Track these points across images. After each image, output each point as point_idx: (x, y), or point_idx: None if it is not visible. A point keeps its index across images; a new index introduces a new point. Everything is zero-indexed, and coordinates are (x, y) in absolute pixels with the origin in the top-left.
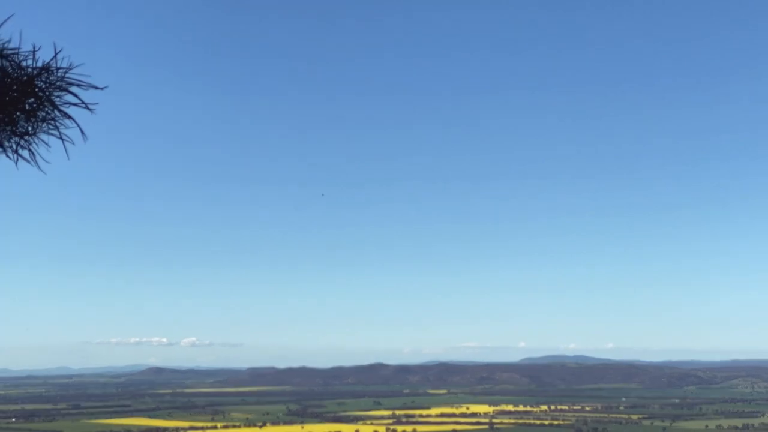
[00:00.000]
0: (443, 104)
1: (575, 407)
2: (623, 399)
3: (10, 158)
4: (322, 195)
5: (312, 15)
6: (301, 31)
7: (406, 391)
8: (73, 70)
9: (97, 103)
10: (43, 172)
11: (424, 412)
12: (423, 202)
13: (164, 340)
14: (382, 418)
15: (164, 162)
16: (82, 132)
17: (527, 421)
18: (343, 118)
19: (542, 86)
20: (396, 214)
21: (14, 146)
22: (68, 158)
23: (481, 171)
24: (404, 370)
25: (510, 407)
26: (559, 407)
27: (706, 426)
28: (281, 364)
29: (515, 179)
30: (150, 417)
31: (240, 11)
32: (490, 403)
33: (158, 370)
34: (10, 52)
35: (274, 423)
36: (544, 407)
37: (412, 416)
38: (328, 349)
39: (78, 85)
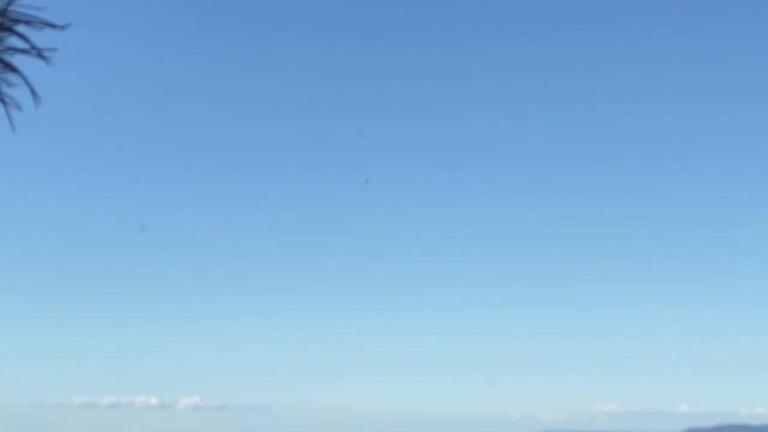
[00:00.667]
0: None
1: None
2: None
3: None
4: (367, 181)
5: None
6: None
7: None
8: (20, 1)
9: (55, 49)
10: None
11: None
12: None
13: (153, 400)
14: None
15: (147, 139)
16: (33, 92)
17: None
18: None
19: None
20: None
21: None
22: (13, 130)
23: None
24: None
25: None
26: None
27: None
28: None
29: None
30: None
31: None
32: None
33: None
34: None
35: None
36: None
37: None
38: (395, 412)
39: (28, 23)
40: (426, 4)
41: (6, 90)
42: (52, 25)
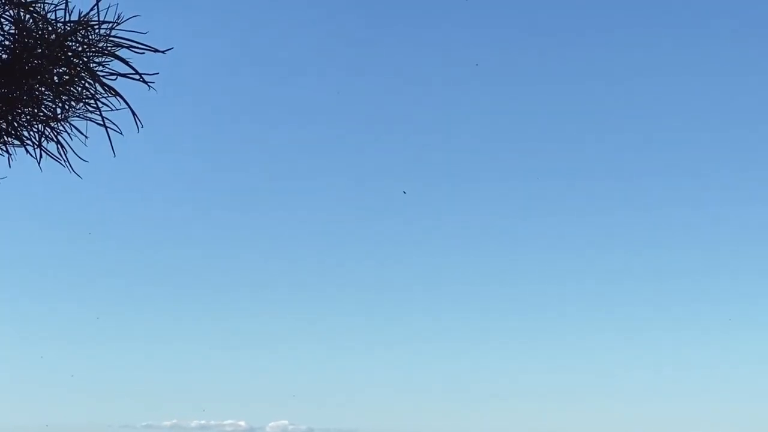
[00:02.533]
0: None
1: None
2: None
3: (30, 154)
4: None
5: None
6: None
7: None
8: (122, 25)
9: (157, 73)
10: (77, 175)
11: None
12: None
13: (242, 423)
14: None
15: (253, 161)
16: (136, 116)
17: None
18: None
19: None
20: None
21: (37, 137)
22: (114, 155)
23: None
24: None
25: None
26: None
27: None
28: None
29: None
30: None
31: None
32: None
33: None
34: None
35: None
36: None
37: None
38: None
39: (130, 48)
40: None
41: (108, 114)
42: (154, 50)
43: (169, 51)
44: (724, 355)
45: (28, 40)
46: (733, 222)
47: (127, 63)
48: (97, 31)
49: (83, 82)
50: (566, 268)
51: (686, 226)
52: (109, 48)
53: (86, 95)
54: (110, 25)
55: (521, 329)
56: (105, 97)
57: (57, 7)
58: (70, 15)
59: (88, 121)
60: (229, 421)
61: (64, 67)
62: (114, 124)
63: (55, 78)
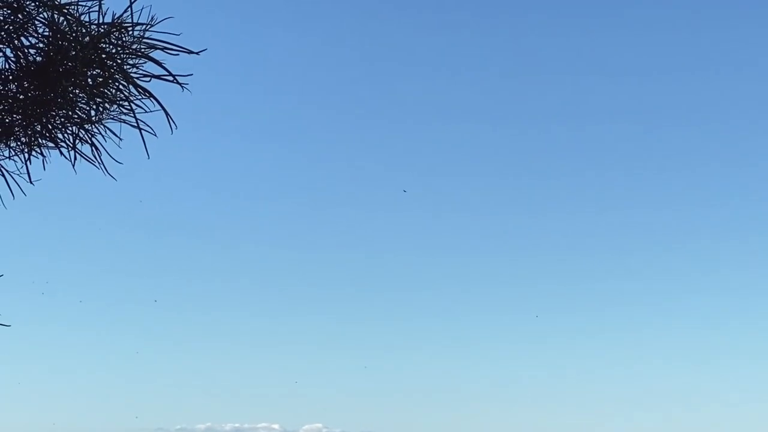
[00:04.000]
0: None
1: None
2: None
3: (65, 156)
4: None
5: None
6: None
7: None
8: (156, 27)
9: (191, 74)
10: (112, 177)
11: None
12: None
13: (276, 426)
14: None
15: (283, 161)
16: (170, 118)
17: None
18: None
19: None
20: None
21: (71, 139)
22: (148, 156)
23: None
24: None
25: None
26: None
27: None
28: None
29: None
30: None
31: None
32: None
33: None
34: (65, 2)
35: None
36: None
37: None
38: None
39: (164, 49)
40: None
41: (142, 116)
42: (188, 51)
43: (203, 52)
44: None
45: (62, 43)
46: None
47: (160, 65)
48: (130, 33)
49: (117, 84)
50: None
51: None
52: (142, 50)
53: (120, 97)
54: (144, 26)
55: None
56: (139, 99)
57: (90, 9)
58: (103, 17)
59: (122, 123)
60: (263, 424)
61: (98, 69)
62: (148, 125)
63: (89, 80)
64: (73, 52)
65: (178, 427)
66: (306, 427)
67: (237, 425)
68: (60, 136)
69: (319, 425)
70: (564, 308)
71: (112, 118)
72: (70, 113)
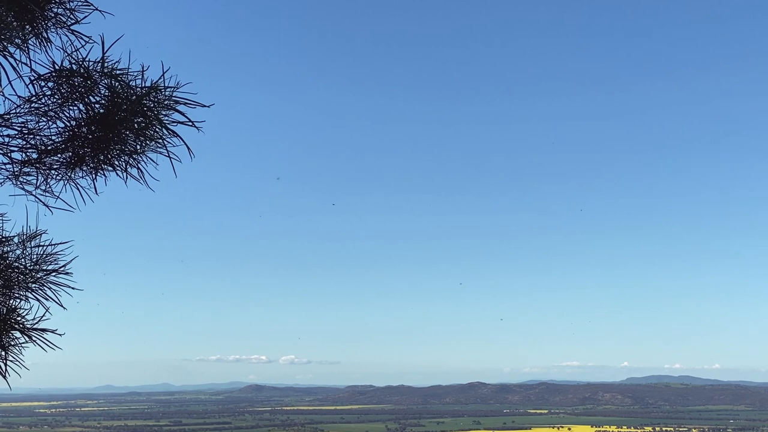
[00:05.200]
0: None
1: (681, 429)
2: (731, 421)
3: (119, 176)
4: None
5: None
6: None
7: (506, 410)
8: (180, 89)
9: (203, 121)
10: (152, 190)
11: None
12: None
13: (263, 357)
14: None
15: (260, 174)
16: (190, 150)
17: None
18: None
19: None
20: (490, 227)
21: (123, 165)
22: (176, 176)
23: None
24: (504, 389)
25: (613, 428)
26: (664, 429)
27: None
28: (379, 383)
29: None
30: None
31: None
32: (593, 424)
33: (257, 388)
34: (119, 72)
35: None
36: (648, 429)
37: None
38: (426, 367)
39: (185, 104)
40: None
41: (171, 149)
42: (202, 105)
43: (212, 106)
44: None
45: (117, 100)
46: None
47: (183, 114)
48: (163, 92)
49: (155, 127)
50: None
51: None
52: (171, 104)
53: (157, 136)
54: (172, 88)
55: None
56: (169, 137)
57: (136, 77)
58: (144, 82)
59: (158, 154)
60: (255, 356)
61: (141, 117)
62: (175, 155)
63: (136, 125)
64: (125, 106)
65: (198, 357)
66: (283, 357)
67: (238, 356)
68: (116, 162)
69: (293, 356)
70: None
71: (151, 150)
72: (123, 147)
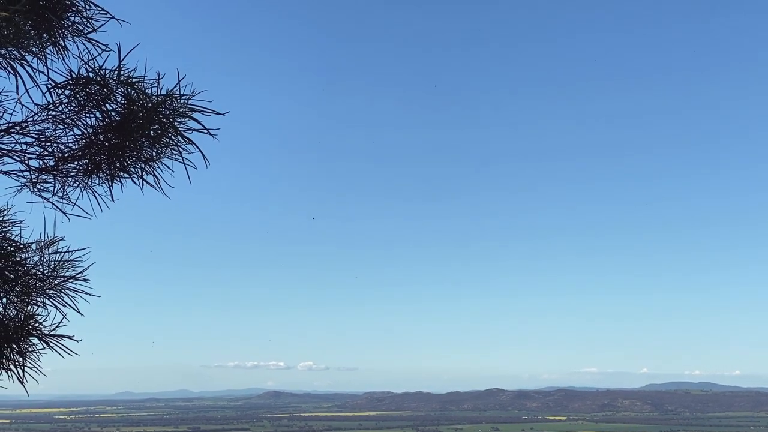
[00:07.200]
0: None
1: None
2: (752, 428)
3: (135, 183)
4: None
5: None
6: None
7: (525, 417)
8: (195, 97)
9: (218, 129)
10: (167, 197)
11: None
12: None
13: (281, 363)
14: None
15: (273, 180)
16: (205, 157)
17: None
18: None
19: None
20: (509, 230)
21: (140, 172)
22: (190, 183)
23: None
24: (522, 395)
25: None
26: None
27: None
28: (397, 389)
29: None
30: None
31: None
32: (612, 431)
33: (276, 394)
34: (135, 80)
35: None
36: None
37: None
38: (444, 373)
39: (200, 112)
40: None
41: (186, 156)
42: (217, 113)
43: (227, 113)
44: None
45: (133, 107)
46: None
47: (199, 122)
48: (179, 100)
49: (170, 135)
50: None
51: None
52: (187, 112)
53: (172, 143)
54: (188, 96)
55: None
56: (184, 145)
57: (152, 85)
58: (160, 90)
59: (173, 161)
60: (273, 362)
61: (157, 125)
62: (191, 162)
63: (152, 133)
64: (141, 114)
65: (216, 364)
66: (301, 363)
67: (255, 363)
68: (132, 169)
69: (311, 363)
70: None
71: (167, 157)
72: (139, 155)
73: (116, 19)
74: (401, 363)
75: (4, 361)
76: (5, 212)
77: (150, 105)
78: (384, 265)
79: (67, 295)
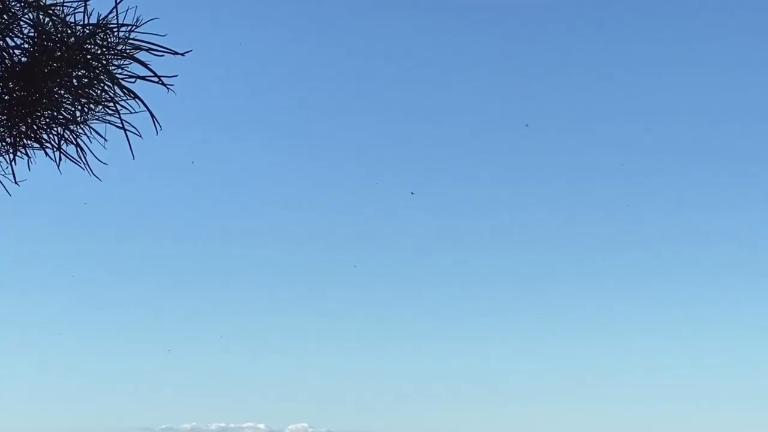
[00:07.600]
0: None
1: None
2: None
3: (50, 157)
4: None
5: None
6: None
7: None
8: (141, 28)
9: (176, 76)
10: (97, 178)
11: None
12: None
13: (261, 426)
14: None
15: (269, 166)
16: (155, 119)
17: None
18: None
19: None
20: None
21: (56, 139)
22: (133, 157)
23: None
24: None
25: None
26: None
27: None
28: None
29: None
30: None
31: None
32: None
33: None
34: (51, 2)
35: None
36: None
37: None
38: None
39: (149, 50)
40: None
41: (128, 117)
42: (174, 52)
43: (188, 53)
44: (722, 357)
45: (47, 43)
46: (729, 223)
47: (146, 65)
48: (116, 33)
49: (102, 84)
50: (566, 270)
51: (689, 227)
52: (128, 51)
53: (105, 98)
54: (129, 27)
55: (525, 330)
56: (124, 100)
57: (76, 10)
58: (89, 18)
59: (108, 124)
60: (248, 424)
61: (83, 69)
62: (133, 126)
63: (75, 81)
64: (59, 53)
65: (164, 426)
66: (291, 426)
67: (222, 425)
68: (45, 136)
69: (305, 425)
70: (562, 308)
71: (97, 119)
72: (55, 114)
73: None
74: (424, 424)
75: None
76: None
77: (72, 40)
78: (403, 307)
79: None
